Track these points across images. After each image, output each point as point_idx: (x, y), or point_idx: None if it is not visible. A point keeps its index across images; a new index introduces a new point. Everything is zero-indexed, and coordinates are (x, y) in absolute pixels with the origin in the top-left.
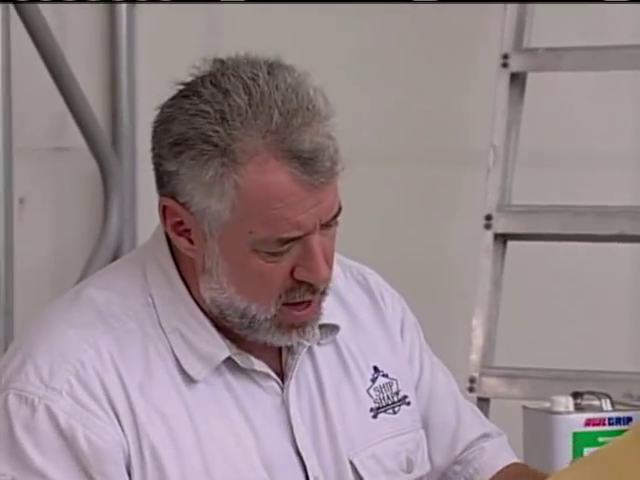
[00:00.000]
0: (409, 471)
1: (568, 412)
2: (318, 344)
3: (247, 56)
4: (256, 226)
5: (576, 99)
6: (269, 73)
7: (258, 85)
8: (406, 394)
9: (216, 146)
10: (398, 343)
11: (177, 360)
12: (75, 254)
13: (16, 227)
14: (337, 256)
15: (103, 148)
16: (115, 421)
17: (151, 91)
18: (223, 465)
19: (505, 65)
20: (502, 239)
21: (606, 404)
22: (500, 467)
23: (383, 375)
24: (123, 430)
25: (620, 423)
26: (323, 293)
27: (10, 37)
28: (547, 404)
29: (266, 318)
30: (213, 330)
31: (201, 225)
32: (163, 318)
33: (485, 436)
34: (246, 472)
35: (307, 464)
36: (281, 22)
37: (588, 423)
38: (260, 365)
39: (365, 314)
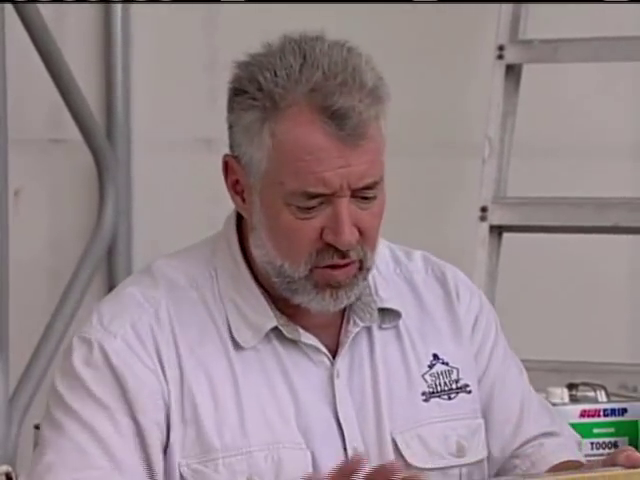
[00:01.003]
0: (460, 456)
1: (563, 403)
2: (380, 328)
3: (320, 34)
4: (286, 177)
5: (572, 91)
6: (329, 46)
7: (314, 52)
8: (467, 383)
9: (260, 90)
10: (467, 337)
11: (230, 328)
12: (70, 245)
13: (11, 219)
14: (425, 253)
15: (98, 140)
16: (160, 371)
17: (146, 84)
18: (260, 426)
19: (500, 57)
20: (497, 231)
21: (601, 395)
22: (556, 462)
23: (443, 363)
24: (167, 381)
25: (615, 414)
26: (362, 268)
27: (5, 29)
28: (543, 395)
29: (299, 277)
30: (265, 302)
31: (248, 178)
32: (223, 290)
33: (549, 434)
34: (282, 435)
35: (346, 435)
36: (279, 22)
37: (583, 414)
38: (308, 337)
39: (436, 306)
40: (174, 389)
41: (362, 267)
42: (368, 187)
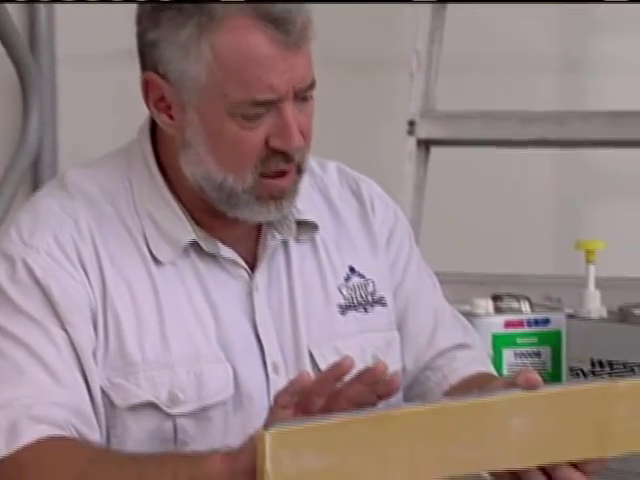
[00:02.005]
0: None
1: (488, 314)
2: (297, 241)
3: None
4: (231, 88)
5: (499, 5)
6: None
7: None
8: (383, 295)
9: (193, 3)
10: (382, 249)
11: (147, 243)
12: None
13: None
14: (339, 165)
15: (21, 51)
16: (86, 282)
17: None
18: (181, 340)
19: None
20: (425, 145)
21: (525, 306)
22: (466, 375)
23: (359, 275)
24: (93, 292)
25: (538, 324)
26: (300, 171)
27: None
28: (467, 307)
29: (243, 189)
30: (182, 216)
31: (180, 94)
32: (138, 202)
33: (461, 346)
34: (202, 348)
35: (265, 349)
36: None
37: (507, 325)
38: (227, 251)
39: (351, 218)
40: (98, 301)
41: (299, 171)
42: (308, 88)
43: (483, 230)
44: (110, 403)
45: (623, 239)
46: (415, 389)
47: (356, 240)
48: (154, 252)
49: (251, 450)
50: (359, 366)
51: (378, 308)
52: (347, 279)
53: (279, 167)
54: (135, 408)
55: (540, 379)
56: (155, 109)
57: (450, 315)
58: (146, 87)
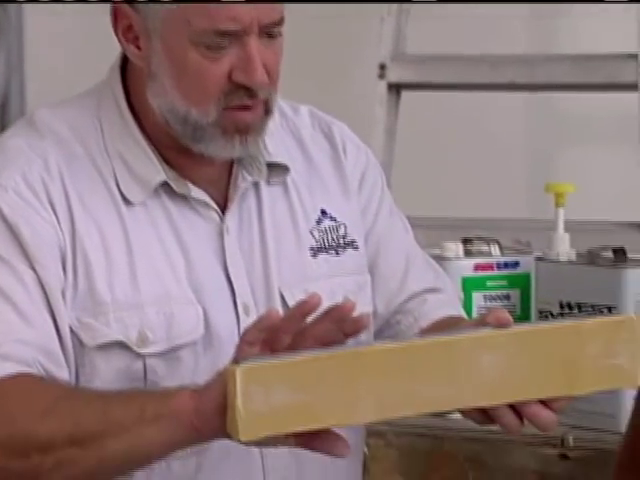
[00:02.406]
0: None
1: (458, 258)
2: (268, 183)
3: None
4: (194, 16)
5: None
6: None
7: None
8: (355, 239)
9: None
10: (353, 192)
11: (117, 183)
12: None
13: None
14: (311, 108)
15: None
16: (55, 221)
17: None
18: (151, 280)
19: None
20: (396, 88)
21: (495, 249)
22: (437, 318)
23: (330, 218)
24: (62, 232)
25: (507, 267)
26: (267, 111)
27: None
28: (437, 251)
29: (208, 123)
30: (153, 156)
31: (146, 22)
32: (109, 142)
33: (432, 290)
34: (173, 289)
35: (236, 291)
36: None
37: (477, 268)
38: (197, 192)
39: (323, 161)
40: (68, 241)
41: (267, 110)
42: (275, 23)
43: (454, 174)
44: (79, 342)
45: (593, 183)
46: (386, 332)
47: (328, 183)
48: (124, 192)
49: (219, 387)
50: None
51: (349, 251)
52: (319, 222)
53: (243, 102)
54: (104, 347)
55: (510, 317)
56: (124, 39)
57: (422, 259)
58: (115, 16)
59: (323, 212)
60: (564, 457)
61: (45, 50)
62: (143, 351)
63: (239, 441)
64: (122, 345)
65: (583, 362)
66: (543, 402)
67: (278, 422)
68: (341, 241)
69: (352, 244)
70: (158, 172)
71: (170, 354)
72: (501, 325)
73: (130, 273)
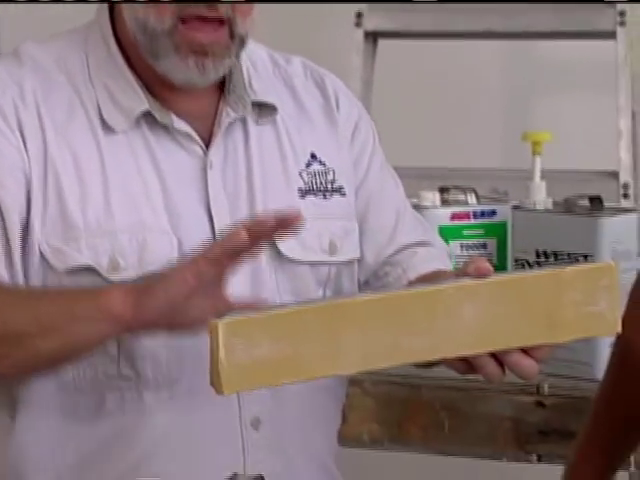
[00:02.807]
0: (332, 253)
1: (434, 207)
2: (257, 123)
3: None
4: None
5: None
6: None
7: None
8: (343, 185)
9: None
10: (345, 144)
11: (100, 111)
12: None
13: None
14: (304, 59)
15: None
16: (22, 147)
17: None
18: (125, 208)
19: None
20: (373, 37)
21: (471, 198)
22: (425, 272)
23: (320, 163)
24: (29, 158)
25: (484, 216)
26: (233, 35)
27: None
28: (414, 200)
29: (162, 30)
30: (138, 88)
31: None
32: (94, 73)
33: (422, 243)
34: (147, 217)
35: (216, 226)
36: None
37: (454, 217)
38: (180, 124)
39: (315, 110)
40: (36, 166)
41: (232, 35)
42: None
43: (431, 123)
44: (49, 267)
45: (570, 131)
46: (373, 284)
47: (319, 129)
48: (107, 120)
49: (165, 283)
50: (318, 252)
51: (337, 197)
52: (308, 165)
53: (199, 11)
54: (74, 272)
55: (490, 267)
56: None
57: (411, 214)
58: None
59: (313, 155)
60: (540, 405)
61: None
62: (113, 277)
63: (222, 394)
64: (92, 270)
65: (563, 310)
66: (524, 351)
67: (261, 375)
68: (329, 186)
69: (340, 190)
70: (142, 102)
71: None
72: (481, 275)
73: (104, 200)
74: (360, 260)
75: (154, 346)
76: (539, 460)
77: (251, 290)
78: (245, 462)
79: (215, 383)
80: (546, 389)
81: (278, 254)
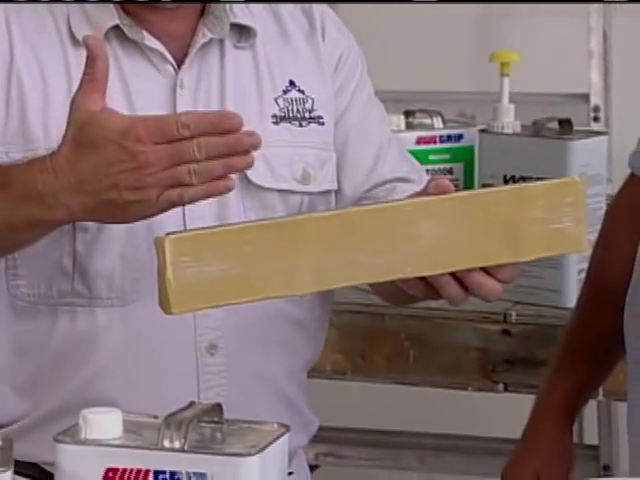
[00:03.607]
0: (304, 183)
1: (399, 130)
2: (236, 47)
3: None
4: None
5: None
6: None
7: None
8: (321, 115)
9: None
10: (328, 73)
11: (69, 23)
12: None
13: None
14: None
15: None
16: None
17: None
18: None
19: None
20: None
21: (438, 122)
22: None
23: (299, 91)
24: None
25: (451, 140)
26: None
27: None
28: None
29: None
30: (112, 5)
31: None
32: None
33: (404, 179)
34: None
35: None
36: None
37: (419, 141)
38: (152, 41)
39: (299, 37)
40: (1, 72)
41: None
42: None
43: (396, 45)
44: None
45: (539, 53)
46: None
47: (301, 57)
48: (75, 32)
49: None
50: (289, 180)
51: (314, 126)
52: (285, 92)
53: None
54: None
55: (450, 184)
56: None
57: (397, 149)
58: None
59: (291, 83)
60: (506, 333)
61: None
62: None
63: (170, 313)
64: None
65: (527, 227)
66: (488, 272)
67: (211, 294)
68: (307, 114)
69: (318, 119)
70: (112, 17)
71: None
72: (441, 192)
73: (65, 110)
74: (337, 192)
75: (109, 263)
76: (505, 389)
77: (217, 218)
78: (199, 388)
79: (163, 302)
80: (513, 317)
81: (246, 180)
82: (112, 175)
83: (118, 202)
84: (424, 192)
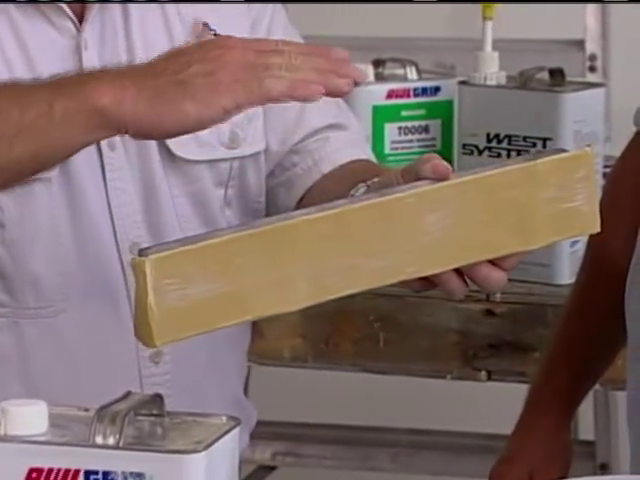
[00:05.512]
0: (233, 147)
1: (367, 82)
2: None
3: None
4: None
5: None
6: None
7: None
8: None
9: None
10: (243, 8)
11: None
12: None
13: None
14: None
15: None
16: None
17: None
18: None
19: None
20: None
21: (412, 73)
22: (343, 162)
23: (214, 34)
24: None
25: (427, 94)
26: None
27: None
28: None
29: None
30: None
31: None
32: None
33: (335, 126)
34: None
35: None
36: None
37: (390, 95)
38: None
39: None
40: None
41: None
42: None
43: None
44: None
45: None
46: (279, 176)
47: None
48: None
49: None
50: (215, 147)
51: None
52: (199, 36)
53: None
54: None
55: (448, 166)
56: None
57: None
58: None
59: (206, 25)
60: (489, 314)
61: None
62: None
63: (153, 346)
64: None
65: (539, 210)
66: (492, 262)
67: (199, 319)
68: None
69: None
70: None
71: (21, 189)
72: (440, 177)
73: None
74: (265, 151)
75: (37, 270)
76: (489, 377)
77: (142, 197)
78: None
79: (142, 333)
80: (497, 295)
81: (169, 154)
82: (187, 54)
83: (179, 75)
84: (415, 174)
